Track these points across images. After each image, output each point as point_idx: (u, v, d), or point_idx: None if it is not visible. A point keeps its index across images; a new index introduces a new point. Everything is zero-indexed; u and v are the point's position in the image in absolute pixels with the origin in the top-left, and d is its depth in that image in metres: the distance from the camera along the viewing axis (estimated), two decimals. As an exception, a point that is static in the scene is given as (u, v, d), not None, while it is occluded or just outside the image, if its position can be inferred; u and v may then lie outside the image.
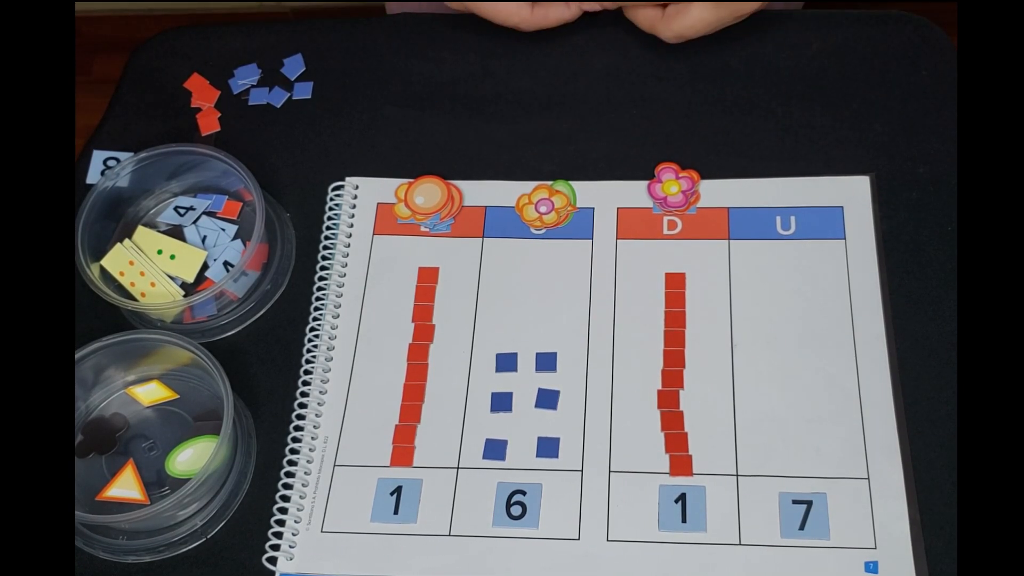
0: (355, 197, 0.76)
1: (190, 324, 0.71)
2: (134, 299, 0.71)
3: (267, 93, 0.80)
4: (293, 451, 0.67)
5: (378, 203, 0.75)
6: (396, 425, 0.68)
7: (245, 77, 0.81)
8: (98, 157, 0.78)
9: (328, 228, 0.75)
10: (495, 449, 0.66)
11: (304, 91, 0.80)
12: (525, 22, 0.78)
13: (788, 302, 0.70)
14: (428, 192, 0.74)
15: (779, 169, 0.74)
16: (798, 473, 0.64)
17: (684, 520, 0.63)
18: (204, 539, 0.65)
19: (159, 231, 0.73)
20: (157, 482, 0.66)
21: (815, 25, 0.80)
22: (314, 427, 0.68)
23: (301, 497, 0.66)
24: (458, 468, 0.66)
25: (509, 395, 0.68)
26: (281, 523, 0.65)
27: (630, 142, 0.76)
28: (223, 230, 0.73)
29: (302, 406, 0.68)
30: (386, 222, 0.75)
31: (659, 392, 0.67)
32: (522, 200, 0.74)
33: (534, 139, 0.77)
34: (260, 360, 0.71)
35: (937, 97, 0.76)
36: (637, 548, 0.63)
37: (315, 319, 0.71)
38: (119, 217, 0.74)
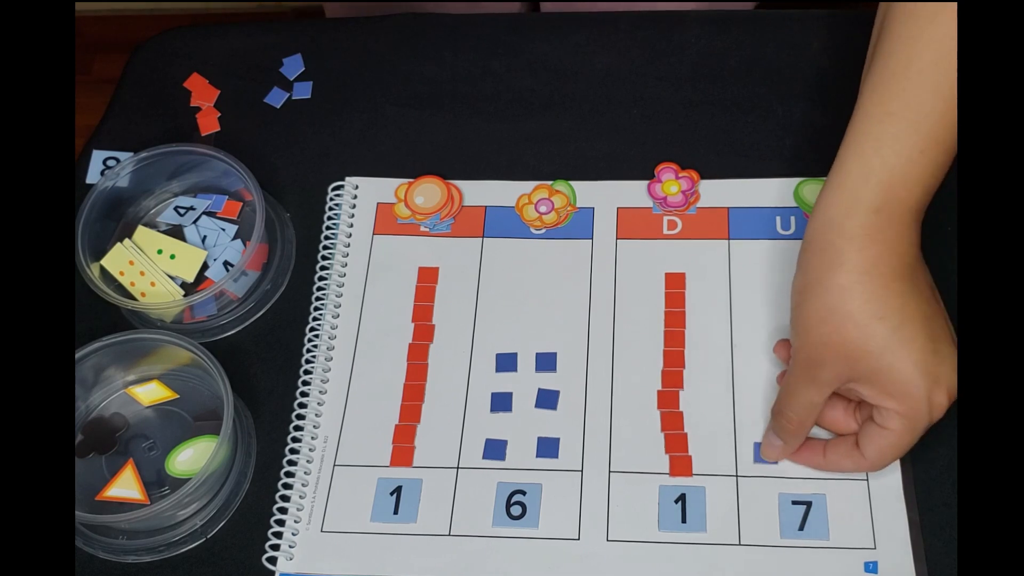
0: (355, 197, 0.76)
1: (190, 324, 0.71)
2: (134, 299, 0.71)
3: (267, 93, 0.80)
4: (293, 451, 0.67)
5: (378, 203, 0.75)
6: (396, 425, 0.68)
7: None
8: (98, 157, 0.78)
9: (328, 228, 0.75)
10: (495, 449, 0.66)
11: (304, 91, 0.80)
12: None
13: (788, 302, 0.69)
14: (428, 192, 0.74)
15: (779, 169, 0.74)
16: (798, 473, 0.64)
17: (684, 520, 0.63)
18: (204, 539, 0.65)
19: (159, 231, 0.73)
20: (157, 482, 0.66)
21: (815, 25, 0.80)
22: (314, 427, 0.68)
23: (301, 497, 0.66)
24: (458, 468, 0.66)
25: (509, 395, 0.68)
26: (281, 523, 0.65)
27: (630, 142, 0.76)
28: (223, 230, 0.73)
29: (302, 406, 0.68)
30: (386, 222, 0.75)
31: (659, 392, 0.67)
32: (522, 200, 0.74)
33: (534, 139, 0.77)
34: (260, 360, 0.71)
35: (937, 97, 0.75)
36: (637, 548, 0.63)
37: (315, 319, 0.71)
38: (119, 217, 0.74)
